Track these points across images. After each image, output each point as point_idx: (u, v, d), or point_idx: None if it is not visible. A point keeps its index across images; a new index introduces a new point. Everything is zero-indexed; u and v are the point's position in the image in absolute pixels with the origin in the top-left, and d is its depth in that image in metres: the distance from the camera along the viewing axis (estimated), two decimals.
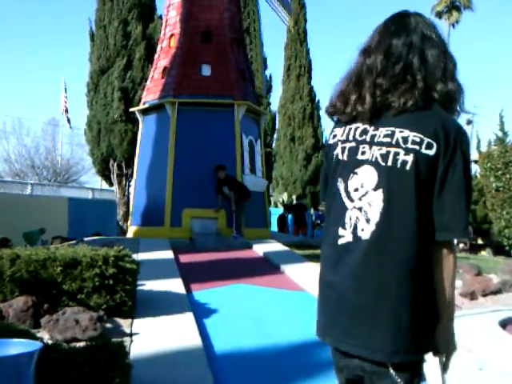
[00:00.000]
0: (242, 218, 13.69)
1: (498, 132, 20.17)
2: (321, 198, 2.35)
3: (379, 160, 2.04)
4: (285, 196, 28.25)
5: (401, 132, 2.04)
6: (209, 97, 14.27)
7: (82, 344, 4.49)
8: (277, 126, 31.69)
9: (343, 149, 2.13)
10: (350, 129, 2.14)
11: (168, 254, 10.44)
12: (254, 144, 15.27)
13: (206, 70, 14.69)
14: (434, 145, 2.01)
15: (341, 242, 2.08)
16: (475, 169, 21.57)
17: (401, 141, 2.03)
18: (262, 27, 16.56)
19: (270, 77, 28.11)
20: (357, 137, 2.11)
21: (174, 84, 14.59)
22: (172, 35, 15.25)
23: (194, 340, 5.39)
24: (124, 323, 5.84)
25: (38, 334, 4.86)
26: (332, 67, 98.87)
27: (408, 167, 2.00)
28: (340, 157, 2.14)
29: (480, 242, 22.91)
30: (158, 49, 15.81)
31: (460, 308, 7.38)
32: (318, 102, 31.70)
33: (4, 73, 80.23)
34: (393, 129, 2.06)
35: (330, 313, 2.09)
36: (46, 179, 38.57)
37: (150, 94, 15.21)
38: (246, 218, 13.79)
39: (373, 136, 2.08)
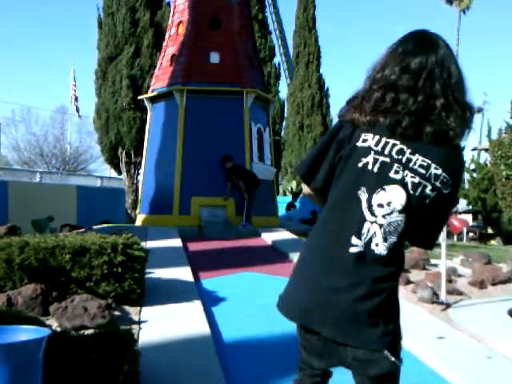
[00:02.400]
0: (252, 206, 13.70)
1: (508, 120, 20.06)
2: (310, 181, 2.35)
3: (409, 187, 2.12)
4: (293, 184, 28.20)
5: (436, 169, 2.12)
6: (217, 84, 14.21)
7: (90, 331, 4.49)
8: (285, 114, 31.59)
9: (375, 160, 2.15)
10: (386, 142, 2.15)
11: (176, 242, 10.44)
12: (262, 132, 15.22)
13: (215, 58, 14.64)
14: (451, 184, 2.15)
15: (352, 250, 2.14)
16: (485, 157, 21.48)
17: (433, 177, 2.12)
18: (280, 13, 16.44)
19: (279, 64, 27.98)
20: (393, 154, 2.14)
21: (182, 71, 14.55)
22: (180, 22, 15.19)
23: (202, 328, 5.39)
24: (132, 311, 5.85)
25: (47, 322, 4.89)
26: (341, 55, 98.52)
27: (427, 201, 2.14)
28: (369, 167, 2.15)
29: (490, 230, 22.79)
30: (166, 36, 15.76)
31: (469, 297, 7.36)
32: (327, 89, 31.58)
33: (12, 61, 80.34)
34: (429, 162, 2.12)
35: (332, 311, 2.16)
36: (55, 167, 38.72)
37: (159, 82, 15.18)
38: (254, 206, 13.79)
39: (408, 160, 2.13)
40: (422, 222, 2.20)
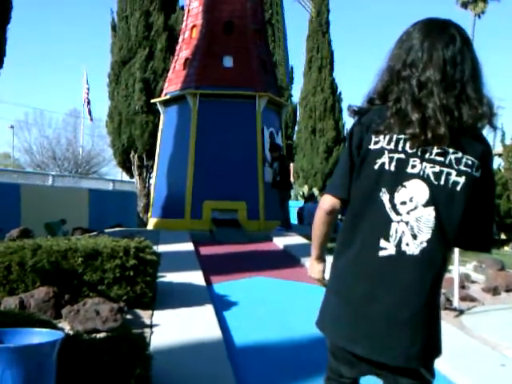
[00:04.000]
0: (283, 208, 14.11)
1: None
2: (339, 193, 2.23)
3: (431, 178, 2.06)
4: (305, 189, 28.16)
5: (454, 153, 2.07)
6: (230, 88, 14.22)
7: (102, 335, 4.50)
8: (298, 118, 31.60)
9: (391, 159, 2.10)
10: (398, 139, 2.10)
11: (188, 246, 10.45)
12: (274, 136, 15.20)
13: (228, 62, 14.65)
14: (480, 167, 2.09)
15: (382, 254, 2.09)
16: (499, 162, 21.37)
17: (454, 162, 2.07)
18: (284, 17, 16.57)
19: (292, 68, 28.01)
20: (407, 149, 2.09)
21: (195, 75, 14.56)
22: (194, 26, 15.21)
23: (213, 332, 5.38)
24: (144, 315, 5.84)
25: (59, 325, 4.88)
26: (354, 59, 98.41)
27: (459, 188, 2.06)
28: (386, 166, 2.10)
29: (503, 236, 22.63)
30: (180, 40, 15.78)
31: (482, 303, 7.31)
32: (340, 94, 31.54)
33: (26, 64, 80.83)
34: (445, 148, 2.07)
35: (365, 323, 2.10)
36: (67, 170, 38.87)
37: (172, 86, 15.21)
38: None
39: (424, 151, 2.08)
40: (467, 217, 2.11)
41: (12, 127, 46.30)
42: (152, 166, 18.83)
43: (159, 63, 21.48)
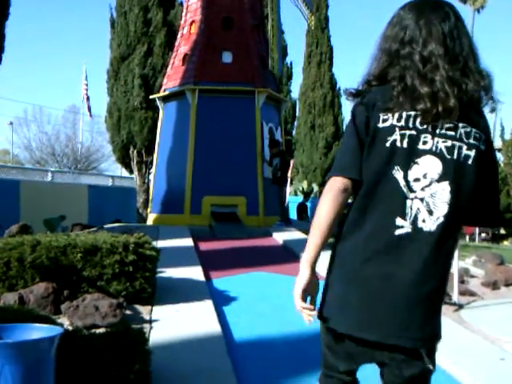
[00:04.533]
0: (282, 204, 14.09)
1: None
2: (351, 174, 2.11)
3: (444, 152, 2.06)
4: (305, 184, 28.14)
5: (464, 127, 2.08)
6: (229, 84, 14.21)
7: (101, 330, 4.50)
8: (297, 114, 31.58)
9: (402, 136, 2.08)
10: (408, 115, 2.09)
11: (188, 242, 10.44)
12: (274, 131, 15.20)
13: (227, 57, 14.63)
14: (485, 141, 2.11)
15: (399, 232, 2.06)
16: (498, 157, 21.36)
17: (464, 135, 2.07)
18: (280, 12, 16.56)
19: (291, 64, 27.93)
20: (417, 125, 2.08)
21: (194, 71, 14.55)
22: (193, 22, 15.19)
23: (213, 327, 5.39)
24: (143, 310, 5.85)
25: (59, 320, 4.89)
26: (354, 55, 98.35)
27: (470, 161, 2.07)
28: (398, 143, 2.08)
29: (502, 231, 22.65)
30: (179, 35, 15.77)
31: (482, 298, 7.31)
32: (339, 89, 31.43)
33: (25, 60, 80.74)
34: (455, 122, 2.08)
35: (380, 306, 2.06)
36: (67, 167, 38.88)
37: (171, 81, 15.19)
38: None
39: (434, 126, 2.07)
40: (475, 191, 2.11)
41: (11, 123, 46.36)
42: (151, 162, 18.84)
43: (158, 59, 21.48)
